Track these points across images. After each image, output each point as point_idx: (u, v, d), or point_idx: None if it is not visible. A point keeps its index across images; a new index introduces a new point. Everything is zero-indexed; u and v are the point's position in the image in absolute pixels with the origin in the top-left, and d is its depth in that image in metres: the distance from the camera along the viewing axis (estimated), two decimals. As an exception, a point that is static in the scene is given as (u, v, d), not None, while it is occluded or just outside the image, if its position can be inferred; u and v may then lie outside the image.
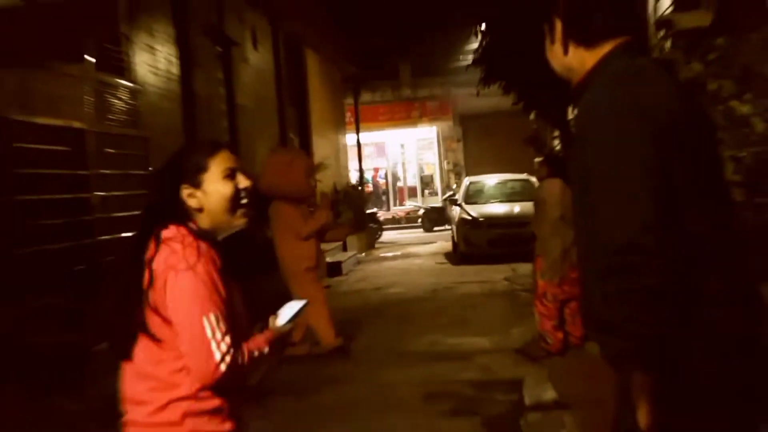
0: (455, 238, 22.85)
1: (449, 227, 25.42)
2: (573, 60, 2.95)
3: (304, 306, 3.53)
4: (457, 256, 22.28)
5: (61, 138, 9.88)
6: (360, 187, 30.22)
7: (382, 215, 36.23)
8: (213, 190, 3.31)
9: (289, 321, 3.45)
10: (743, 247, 2.92)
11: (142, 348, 3.20)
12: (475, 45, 17.13)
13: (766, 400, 2.93)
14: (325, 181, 23.97)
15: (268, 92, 20.37)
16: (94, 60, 11.04)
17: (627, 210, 2.59)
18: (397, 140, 43.14)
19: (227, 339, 3.09)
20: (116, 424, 3.37)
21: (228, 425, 3.26)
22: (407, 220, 38.37)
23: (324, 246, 19.85)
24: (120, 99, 11.72)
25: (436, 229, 32.31)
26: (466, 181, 26.32)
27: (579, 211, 2.88)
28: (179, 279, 3.10)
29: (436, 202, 36.93)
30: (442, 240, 27.28)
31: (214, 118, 15.72)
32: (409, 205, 41.20)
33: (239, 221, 3.37)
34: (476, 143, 41.10)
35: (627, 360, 2.70)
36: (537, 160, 11.25)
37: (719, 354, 2.70)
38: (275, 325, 3.37)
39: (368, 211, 29.30)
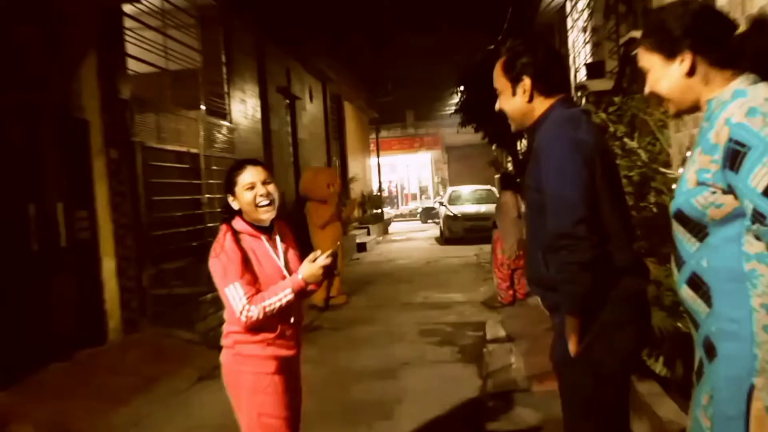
0: (442, 227, 22.83)
1: (438, 220, 25.36)
2: (536, 105, 2.95)
3: (330, 253, 3.27)
4: (443, 239, 22.22)
5: (183, 159, 10.00)
6: (379, 193, 30.24)
7: (393, 212, 36.21)
8: (241, 197, 3.26)
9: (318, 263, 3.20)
10: (634, 234, 2.99)
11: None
12: (455, 100, 17.20)
13: (650, 326, 3.05)
14: (356, 189, 23.96)
15: (319, 130, 20.36)
16: (205, 108, 11.14)
17: (567, 209, 2.60)
18: (404, 162, 43.29)
19: (244, 299, 3.08)
20: (217, 347, 3.44)
21: (270, 350, 3.23)
22: (410, 215, 38.23)
23: (354, 232, 19.93)
24: (222, 133, 11.81)
25: (429, 221, 32.13)
26: (449, 189, 26.42)
27: (532, 207, 2.92)
28: (212, 263, 3.18)
29: (430, 203, 36.83)
30: (433, 229, 27.21)
31: (283, 147, 15.71)
32: (412, 205, 41.25)
33: (263, 216, 3.26)
34: (456, 164, 41.07)
35: (565, 308, 2.70)
36: (497, 176, 11.32)
37: (626, 300, 2.74)
38: (307, 267, 3.18)
39: (384, 209, 29.21)
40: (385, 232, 26.42)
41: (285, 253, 3.42)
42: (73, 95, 7.85)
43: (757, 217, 1.88)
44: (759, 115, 1.90)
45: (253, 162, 3.39)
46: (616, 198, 2.77)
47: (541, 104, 2.89)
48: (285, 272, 3.30)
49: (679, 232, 2.14)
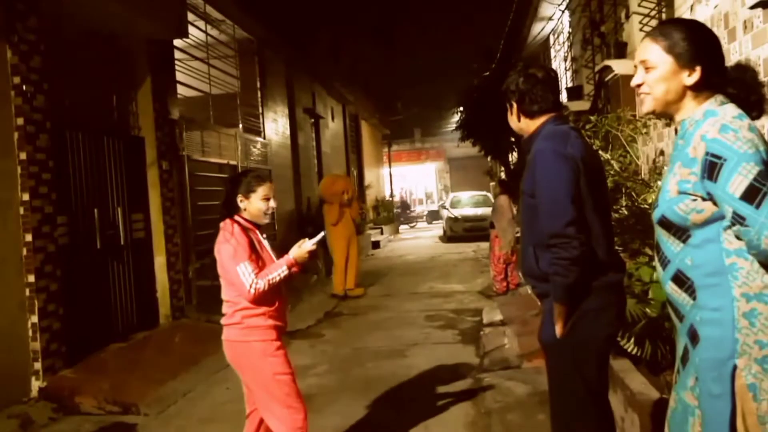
0: (444, 227, 22.79)
1: (441, 221, 25.31)
2: (523, 125, 3.00)
3: (323, 236, 3.63)
4: (445, 238, 22.17)
5: (223, 170, 10.02)
6: (390, 199, 30.21)
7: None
8: (255, 203, 3.46)
9: (309, 244, 3.46)
10: (613, 233, 3.01)
11: (223, 285, 3.42)
12: (456, 119, 17.20)
13: (625, 311, 3.06)
14: (370, 195, 23.95)
15: (340, 144, 20.37)
16: (242, 126, 11.20)
17: (558, 212, 2.63)
18: (412, 172, 43.07)
19: (252, 274, 3.25)
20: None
21: (270, 321, 3.39)
22: (417, 218, 38.20)
23: (369, 231, 19.90)
24: (256, 148, 11.85)
25: (434, 222, 32.05)
26: (451, 195, 26.37)
27: (526, 210, 2.94)
28: (222, 248, 3.35)
29: (434, 207, 36.76)
30: (437, 229, 27.14)
31: (308, 159, 15.72)
32: (419, 209, 41.17)
33: (264, 221, 3.50)
34: (457, 173, 40.91)
35: (555, 297, 2.72)
36: (492, 184, 11.34)
37: (606, 289, 2.74)
38: (296, 250, 3.41)
39: (395, 211, 29.20)
40: (397, 231, 26.40)
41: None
42: (131, 116, 7.92)
43: (737, 219, 1.90)
44: (730, 131, 1.93)
45: (269, 179, 3.62)
46: (599, 202, 2.78)
47: (531, 123, 2.93)
48: (273, 257, 3.51)
49: (664, 236, 2.13)
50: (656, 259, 2.22)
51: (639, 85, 2.17)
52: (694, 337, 2.06)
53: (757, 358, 1.92)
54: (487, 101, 12.77)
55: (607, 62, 7.90)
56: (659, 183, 5.56)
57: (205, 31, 10.12)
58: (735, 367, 1.94)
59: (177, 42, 9.00)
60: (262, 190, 3.47)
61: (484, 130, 13.97)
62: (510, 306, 8.66)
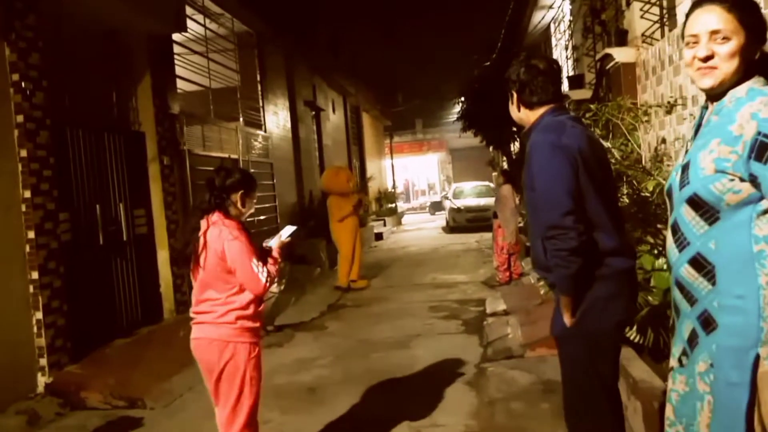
0: (447, 218, 22.73)
1: (444, 212, 25.26)
2: (523, 116, 2.98)
3: (295, 230, 3.69)
4: (448, 228, 22.11)
5: (224, 164, 10.00)
6: (393, 190, 30.21)
7: (405, 206, 36.23)
8: (248, 205, 3.48)
9: (282, 238, 3.59)
10: (623, 221, 2.98)
11: (213, 282, 3.35)
12: (457, 109, 17.17)
13: (636, 300, 3.04)
14: (373, 186, 23.96)
15: (341, 137, 20.36)
16: (243, 120, 11.20)
17: (554, 203, 2.60)
18: (414, 163, 43.01)
19: (262, 268, 3.29)
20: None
21: (257, 323, 3.43)
22: (420, 209, 38.16)
23: (372, 223, 19.91)
24: (258, 141, 11.87)
25: (436, 213, 31.99)
26: (453, 186, 26.20)
27: (529, 203, 2.93)
28: (233, 245, 3.27)
29: (437, 198, 36.73)
30: (440, 220, 27.10)
31: (310, 152, 15.71)
32: (421, 200, 41.23)
33: (244, 220, 3.51)
34: (459, 164, 40.81)
35: (558, 289, 2.74)
36: (494, 174, 11.32)
37: (616, 277, 2.70)
38: (275, 243, 3.52)
39: (397, 204, 29.23)
40: (399, 223, 26.40)
41: None
42: (131, 112, 7.92)
43: None
44: None
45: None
46: (604, 189, 2.75)
47: (531, 113, 2.91)
48: None
49: (688, 216, 2.03)
50: (670, 240, 2.13)
51: (706, 58, 2.03)
52: (707, 323, 2.00)
53: None
54: (488, 91, 12.74)
55: (608, 50, 7.89)
56: (667, 167, 5.57)
57: (203, 25, 10.12)
58: (758, 356, 1.88)
59: (176, 36, 8.99)
60: (254, 195, 3.53)
61: (485, 120, 13.93)
62: (513, 296, 8.66)
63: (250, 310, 3.36)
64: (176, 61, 8.97)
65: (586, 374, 2.78)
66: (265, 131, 12.37)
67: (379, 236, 19.63)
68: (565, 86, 11.29)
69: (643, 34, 7.38)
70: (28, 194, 5.71)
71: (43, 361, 5.73)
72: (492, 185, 20.93)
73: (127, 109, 7.88)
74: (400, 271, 12.76)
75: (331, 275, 11.87)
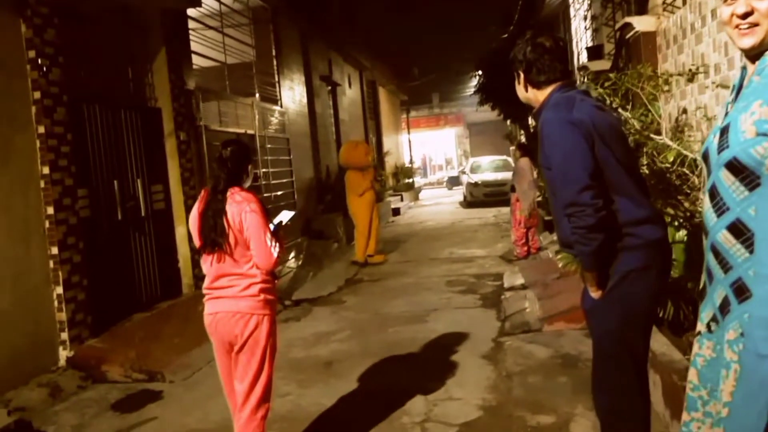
0: (464, 193, 22.63)
1: (461, 187, 25.14)
2: (531, 95, 2.93)
3: (293, 215, 3.73)
4: (466, 203, 22.01)
5: (241, 139, 10.00)
6: (410, 165, 30.13)
7: (423, 181, 36.14)
8: (251, 174, 3.56)
9: (281, 221, 3.59)
10: (648, 190, 2.93)
11: (233, 257, 3.35)
12: (474, 82, 17.02)
13: (669, 271, 2.97)
14: (389, 162, 23.89)
15: (357, 112, 20.28)
16: (259, 95, 11.17)
17: (572, 180, 2.57)
18: (431, 138, 42.74)
19: (275, 243, 3.33)
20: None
21: (275, 295, 3.48)
22: (438, 184, 38.03)
23: (389, 198, 19.89)
24: (274, 117, 11.85)
25: (454, 188, 31.86)
26: (471, 160, 25.96)
27: (549, 184, 2.90)
28: (249, 216, 3.30)
29: (454, 172, 36.57)
30: (457, 194, 27.01)
31: (326, 127, 15.68)
32: (439, 174, 41.09)
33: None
34: (476, 138, 40.61)
35: (582, 265, 2.73)
36: (512, 148, 11.18)
37: (646, 248, 2.65)
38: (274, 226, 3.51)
39: (415, 179, 29.17)
40: (416, 198, 26.35)
41: None
42: (147, 88, 7.91)
43: None
44: None
45: None
46: (623, 160, 2.71)
47: (539, 93, 2.88)
48: None
49: (727, 181, 1.93)
50: (708, 204, 2.04)
51: (745, 14, 1.94)
52: (741, 291, 1.93)
53: None
54: (505, 64, 12.60)
55: (628, 19, 7.72)
56: (688, 138, 5.47)
57: (218, 0, 10.05)
58: None
59: (191, 11, 8.95)
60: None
61: (503, 93, 13.78)
62: (531, 270, 8.61)
63: (270, 283, 3.41)
64: (191, 37, 8.94)
65: (616, 348, 2.73)
66: (281, 106, 12.34)
67: (396, 211, 19.60)
68: (584, 58, 11.13)
69: (663, 2, 7.21)
70: (46, 170, 5.74)
71: (64, 335, 5.80)
72: (510, 159, 20.78)
73: (143, 85, 7.87)
74: (417, 246, 12.73)
75: (348, 250, 11.89)
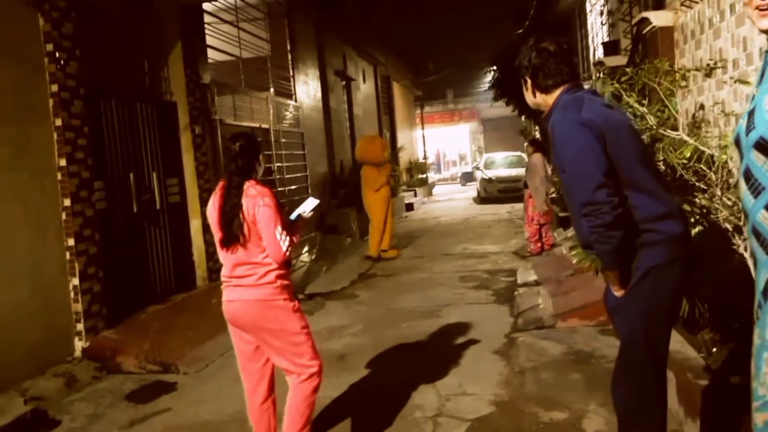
0: (478, 188, 22.57)
1: (475, 183, 25.08)
2: (539, 100, 2.92)
3: (317, 204, 3.78)
4: (479, 199, 21.97)
5: (255, 133, 10.02)
6: (424, 161, 30.07)
7: (436, 176, 36.05)
8: (263, 163, 3.62)
9: (302, 212, 3.68)
10: (668, 185, 2.90)
11: (249, 247, 3.40)
12: (489, 78, 16.94)
13: (694, 265, 2.94)
14: (403, 157, 23.84)
15: (372, 107, 20.26)
16: (273, 89, 11.19)
17: (586, 179, 2.56)
18: (445, 133, 42.53)
19: (285, 236, 3.36)
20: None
21: (290, 281, 3.54)
22: (451, 179, 37.92)
23: (403, 194, 19.87)
24: (288, 111, 11.86)
25: (468, 184, 31.73)
26: (485, 156, 25.89)
27: (564, 186, 2.89)
28: (262, 210, 3.34)
29: (468, 168, 36.43)
30: (471, 190, 26.93)
31: (340, 122, 15.67)
32: (453, 170, 40.97)
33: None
34: (491, 134, 40.39)
35: (602, 264, 2.73)
36: (526, 144, 11.11)
37: (668, 243, 2.63)
38: (297, 216, 3.65)
39: (428, 174, 29.12)
40: (430, 194, 26.31)
41: None
42: (163, 82, 7.94)
43: None
44: None
45: None
46: (642, 158, 2.71)
47: (547, 97, 2.88)
48: None
49: (759, 161, 1.90)
50: (744, 187, 2.00)
51: None
52: None
53: None
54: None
55: (645, 14, 7.65)
56: (705, 134, 5.42)
57: (234, -6, 10.08)
58: None
59: (206, 6, 8.97)
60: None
61: (517, 89, 13.72)
62: (544, 266, 8.58)
63: (285, 270, 3.49)
64: (207, 31, 8.95)
65: (638, 345, 2.72)
66: (296, 101, 12.35)
67: (409, 207, 19.58)
68: (600, 53, 11.05)
69: (681, -3, 7.14)
70: (63, 162, 5.79)
71: (80, 326, 5.85)
72: (524, 155, 20.70)
73: (159, 79, 7.90)
74: (430, 242, 12.72)
75: (361, 245, 11.90)
